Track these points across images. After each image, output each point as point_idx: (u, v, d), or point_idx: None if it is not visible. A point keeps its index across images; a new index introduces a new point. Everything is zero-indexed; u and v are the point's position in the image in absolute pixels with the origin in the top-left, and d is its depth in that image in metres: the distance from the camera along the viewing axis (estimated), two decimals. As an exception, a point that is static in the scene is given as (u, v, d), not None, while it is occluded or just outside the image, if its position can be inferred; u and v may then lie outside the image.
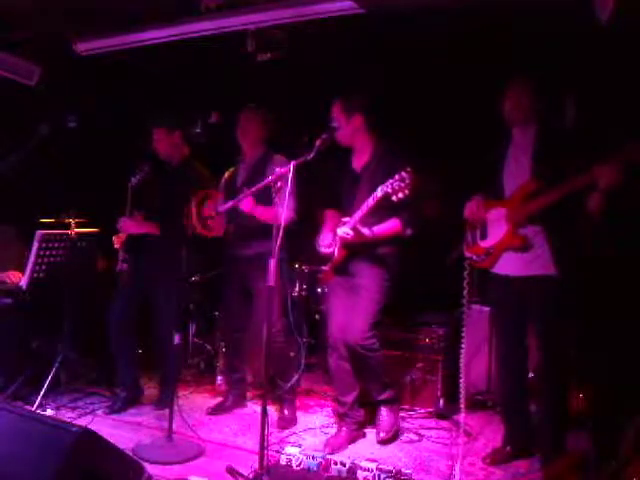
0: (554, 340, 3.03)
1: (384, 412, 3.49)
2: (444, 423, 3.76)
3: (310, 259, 4.43)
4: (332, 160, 3.53)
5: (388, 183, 2.94)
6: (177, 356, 3.55)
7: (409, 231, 3.30)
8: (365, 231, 3.18)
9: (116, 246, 3.90)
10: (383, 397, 3.49)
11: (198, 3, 3.52)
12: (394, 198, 2.92)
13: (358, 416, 3.48)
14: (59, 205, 3.91)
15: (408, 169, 2.90)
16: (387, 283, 3.35)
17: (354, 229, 3.16)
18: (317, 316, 4.83)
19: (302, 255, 4.48)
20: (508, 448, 3.21)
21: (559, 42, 3.51)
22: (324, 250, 3.46)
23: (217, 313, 4.73)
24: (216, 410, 3.86)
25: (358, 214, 3.14)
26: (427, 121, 4.29)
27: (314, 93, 4.42)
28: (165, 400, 3.71)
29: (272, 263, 2.71)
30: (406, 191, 2.88)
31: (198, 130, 3.63)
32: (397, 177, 2.91)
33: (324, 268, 3.49)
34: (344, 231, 3.18)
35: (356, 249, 3.33)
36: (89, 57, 4.14)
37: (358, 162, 3.42)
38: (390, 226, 3.28)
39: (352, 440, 3.43)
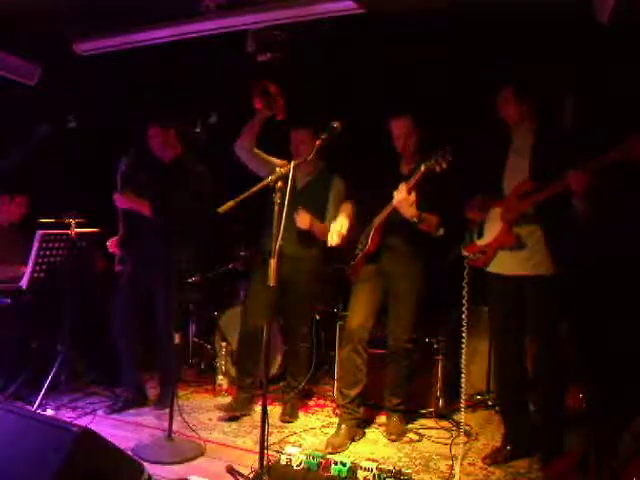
0: (548, 339, 3.05)
1: (396, 417, 3.61)
2: (444, 423, 3.77)
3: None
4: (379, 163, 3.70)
5: (431, 158, 3.11)
6: (177, 356, 3.54)
7: (441, 231, 3.38)
8: (410, 197, 3.20)
9: (112, 249, 3.89)
10: (398, 407, 3.61)
11: (198, 3, 3.52)
12: (437, 169, 3.08)
13: (357, 413, 3.50)
14: (59, 205, 3.91)
15: (448, 147, 3.09)
16: (424, 286, 3.51)
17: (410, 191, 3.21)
18: (317, 316, 4.83)
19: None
20: (508, 448, 3.22)
21: (559, 42, 3.51)
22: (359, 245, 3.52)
23: (216, 313, 4.73)
24: (228, 418, 3.75)
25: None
26: (428, 121, 4.28)
27: (314, 93, 4.43)
28: (165, 400, 3.70)
29: (272, 263, 2.71)
30: (449, 158, 3.05)
31: (198, 130, 3.62)
32: (440, 152, 3.09)
33: (352, 262, 3.52)
34: (402, 194, 3.20)
35: (389, 243, 3.42)
36: (89, 57, 4.14)
37: (406, 167, 3.50)
38: (433, 218, 3.34)
39: (352, 438, 3.44)
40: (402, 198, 3.18)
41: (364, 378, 3.49)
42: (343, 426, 3.45)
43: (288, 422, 3.75)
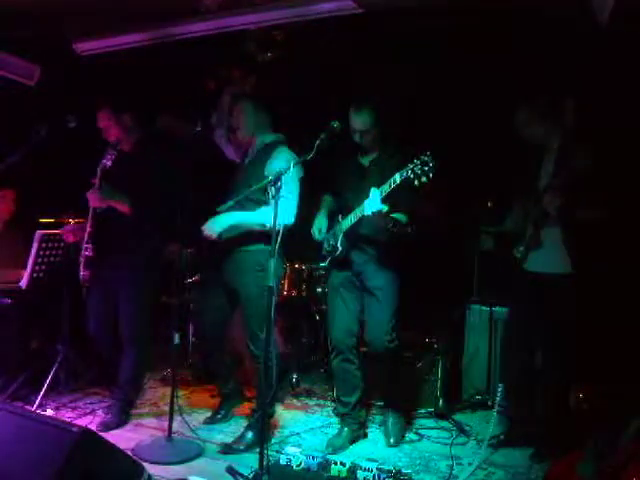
0: (563, 337, 3.11)
1: (392, 418, 3.49)
2: (444, 423, 3.76)
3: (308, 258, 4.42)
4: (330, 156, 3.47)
5: (408, 168, 2.82)
6: (176, 357, 3.48)
7: (410, 229, 3.22)
8: (384, 208, 2.97)
9: (67, 237, 3.61)
10: (393, 405, 3.52)
11: (198, 3, 3.52)
12: (416, 183, 2.80)
13: (360, 416, 3.47)
14: (59, 205, 3.90)
15: (428, 152, 2.79)
16: (399, 281, 3.33)
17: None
18: (317, 316, 4.83)
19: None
20: (503, 436, 3.35)
21: (559, 43, 3.51)
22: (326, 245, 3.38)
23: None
24: (210, 421, 3.68)
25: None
26: (427, 120, 4.29)
27: (314, 93, 4.43)
28: (116, 418, 3.51)
29: (272, 263, 2.71)
30: (430, 175, 2.77)
31: (198, 129, 3.58)
32: (418, 162, 2.79)
33: (322, 264, 3.43)
34: (375, 204, 2.96)
35: (358, 244, 3.28)
36: (89, 57, 4.14)
37: (366, 157, 3.35)
38: (400, 217, 3.16)
39: (353, 440, 3.42)
40: (376, 210, 2.95)
41: (361, 382, 3.42)
42: (345, 429, 3.41)
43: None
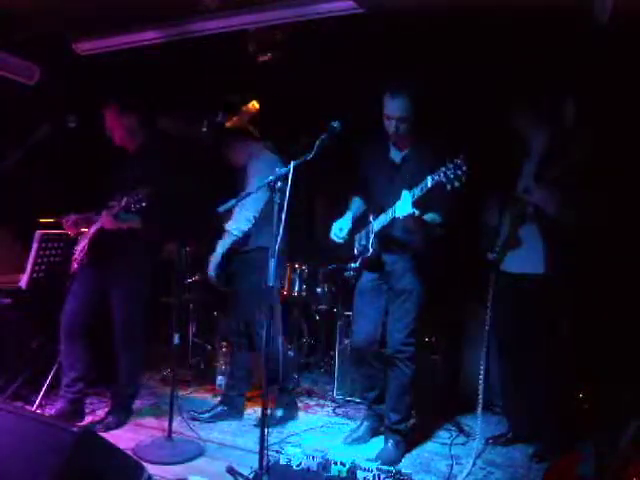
0: (548, 336, 3.12)
1: (391, 443, 3.25)
2: (444, 423, 3.76)
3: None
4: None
5: (440, 172, 2.72)
6: (177, 357, 3.49)
7: (442, 231, 3.14)
8: (416, 212, 2.92)
9: (68, 229, 3.56)
10: (397, 427, 3.28)
11: (198, 3, 3.52)
12: (449, 187, 2.69)
13: (380, 410, 3.44)
14: (59, 205, 3.90)
15: (461, 156, 2.69)
16: (426, 285, 3.24)
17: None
18: (317, 316, 4.84)
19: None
20: (510, 435, 3.39)
21: (558, 42, 3.51)
22: (357, 248, 3.32)
23: (216, 313, 4.73)
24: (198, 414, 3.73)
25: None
26: (426, 120, 4.28)
27: (314, 93, 4.43)
28: (117, 416, 3.55)
29: (272, 263, 2.70)
30: (463, 179, 2.66)
31: (204, 129, 3.57)
32: (451, 165, 2.69)
33: (353, 265, 3.31)
34: (406, 208, 2.87)
35: (390, 246, 3.21)
36: (89, 57, 4.14)
37: (398, 153, 3.25)
38: (433, 218, 3.08)
39: (374, 433, 3.44)
40: (407, 214, 2.89)
41: (381, 381, 3.38)
42: (365, 423, 3.46)
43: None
